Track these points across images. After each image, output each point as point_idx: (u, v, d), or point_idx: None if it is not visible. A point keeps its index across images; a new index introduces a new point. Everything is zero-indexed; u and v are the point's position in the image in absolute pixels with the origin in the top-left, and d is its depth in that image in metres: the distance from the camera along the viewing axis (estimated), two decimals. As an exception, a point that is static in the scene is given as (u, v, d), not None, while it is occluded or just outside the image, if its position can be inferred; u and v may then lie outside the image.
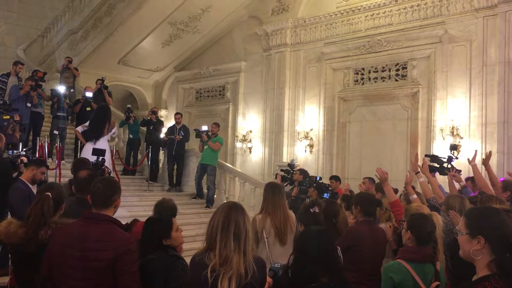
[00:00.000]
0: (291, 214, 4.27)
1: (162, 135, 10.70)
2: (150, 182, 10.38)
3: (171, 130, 10.58)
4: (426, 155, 5.84)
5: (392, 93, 9.99)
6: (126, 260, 2.58)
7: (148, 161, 10.53)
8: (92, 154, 5.37)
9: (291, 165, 7.87)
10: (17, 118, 7.61)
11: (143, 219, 3.20)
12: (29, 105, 9.06)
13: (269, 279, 2.58)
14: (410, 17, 9.73)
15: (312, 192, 6.59)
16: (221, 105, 13.32)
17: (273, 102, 11.78)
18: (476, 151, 6.02)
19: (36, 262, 2.87)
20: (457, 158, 6.37)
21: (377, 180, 5.19)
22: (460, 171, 5.51)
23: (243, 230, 2.44)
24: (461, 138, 8.78)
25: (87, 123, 7.96)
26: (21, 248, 3.04)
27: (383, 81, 10.18)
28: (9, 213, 4.91)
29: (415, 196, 4.45)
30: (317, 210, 3.76)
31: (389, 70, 10.08)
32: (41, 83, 9.44)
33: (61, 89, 9.79)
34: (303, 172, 7.49)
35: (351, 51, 10.56)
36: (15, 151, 5.74)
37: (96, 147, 6.35)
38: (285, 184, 6.90)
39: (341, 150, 10.73)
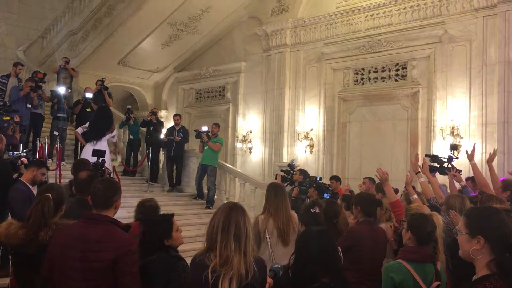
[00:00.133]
0: (294, 214, 4.26)
1: (162, 136, 10.70)
2: (150, 183, 10.38)
3: (170, 131, 10.58)
4: (426, 155, 5.84)
5: (392, 93, 9.99)
6: (127, 261, 2.58)
7: (148, 162, 10.53)
8: (92, 155, 5.37)
9: (291, 165, 7.87)
10: (17, 119, 7.63)
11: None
12: (29, 106, 9.07)
13: (269, 280, 2.58)
14: (410, 17, 9.73)
15: (312, 193, 6.59)
16: (221, 105, 13.32)
17: (273, 102, 11.78)
18: (474, 144, 6.00)
19: (36, 263, 2.87)
20: (457, 158, 6.37)
21: (377, 180, 5.19)
22: (460, 171, 5.50)
23: (243, 230, 2.43)
24: (461, 138, 8.78)
25: (86, 125, 7.96)
26: (22, 249, 3.04)
27: (383, 81, 10.18)
28: (9, 214, 4.91)
29: (415, 196, 4.45)
30: (317, 210, 3.76)
31: (389, 70, 10.08)
32: (41, 84, 9.45)
33: (61, 90, 9.79)
34: (303, 172, 7.49)
35: (351, 51, 10.56)
36: (15, 152, 5.73)
37: (96, 148, 6.35)
38: (285, 185, 6.89)
39: (341, 150, 10.73)
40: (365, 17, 10.38)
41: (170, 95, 14.93)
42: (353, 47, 10.52)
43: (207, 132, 9.87)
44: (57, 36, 13.89)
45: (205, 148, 9.86)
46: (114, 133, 8.28)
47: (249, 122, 12.43)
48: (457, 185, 5.40)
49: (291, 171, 7.65)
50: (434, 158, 5.68)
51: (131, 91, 15.26)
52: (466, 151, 5.57)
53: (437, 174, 5.50)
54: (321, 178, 7.11)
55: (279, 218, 4.11)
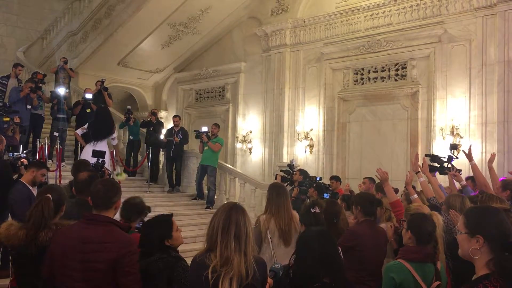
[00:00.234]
0: (295, 214, 4.26)
1: (162, 136, 10.70)
2: (150, 183, 10.39)
3: (169, 132, 10.57)
4: (426, 155, 5.83)
5: (392, 93, 9.99)
6: (127, 262, 2.58)
7: (148, 162, 10.54)
8: (92, 156, 5.38)
9: (290, 165, 7.88)
10: (17, 120, 7.62)
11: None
12: (29, 107, 9.07)
13: (269, 280, 2.58)
14: (409, 17, 9.73)
15: (312, 193, 6.59)
16: (221, 106, 13.32)
17: (273, 102, 11.78)
18: (470, 146, 6.00)
19: (37, 264, 2.88)
20: (457, 157, 6.36)
21: (377, 180, 5.19)
22: (460, 170, 5.50)
23: (243, 230, 2.44)
24: (461, 137, 8.78)
25: (86, 126, 7.95)
26: (22, 250, 3.04)
27: (383, 81, 10.18)
28: (9, 215, 4.91)
29: (415, 196, 4.45)
30: (317, 210, 3.76)
31: (389, 70, 10.08)
32: (41, 85, 9.45)
33: (61, 91, 9.79)
34: (303, 172, 7.49)
35: (351, 51, 10.57)
36: (15, 153, 5.74)
37: (95, 149, 6.35)
38: (285, 185, 6.89)
39: (341, 150, 10.73)
40: (365, 17, 10.38)
41: (170, 95, 14.93)
42: (352, 47, 10.52)
43: (207, 132, 9.87)
44: (57, 37, 13.90)
45: (205, 148, 9.87)
46: (114, 135, 8.28)
47: (249, 122, 12.43)
48: (457, 185, 5.40)
49: (291, 171, 7.66)
50: (434, 158, 5.68)
51: (131, 91, 15.27)
52: (464, 152, 5.57)
53: (437, 173, 5.50)
54: (321, 178, 7.11)
55: (280, 218, 4.12)
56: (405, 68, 9.84)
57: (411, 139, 9.65)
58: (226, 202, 3.97)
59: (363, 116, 10.49)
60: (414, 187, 4.72)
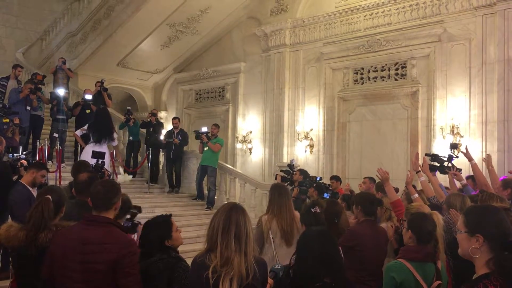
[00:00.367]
0: (297, 214, 4.26)
1: (162, 137, 10.70)
2: (150, 184, 10.39)
3: (169, 134, 10.57)
4: (426, 154, 5.83)
5: (391, 92, 9.99)
6: (128, 262, 2.58)
7: (148, 163, 10.54)
8: (92, 157, 5.37)
9: (290, 165, 7.88)
10: (16, 121, 7.62)
11: (143, 221, 3.20)
12: (28, 108, 9.06)
13: (270, 280, 2.58)
14: (409, 16, 9.73)
15: (313, 193, 6.59)
16: (221, 106, 13.32)
17: (273, 102, 11.78)
18: (466, 146, 5.99)
19: (37, 265, 2.87)
20: (457, 157, 6.34)
21: (377, 180, 5.19)
22: (460, 169, 5.50)
23: (244, 231, 2.44)
24: (462, 136, 8.77)
25: (85, 127, 7.95)
26: (22, 251, 3.03)
27: (383, 80, 10.17)
28: (9, 216, 4.91)
29: (416, 195, 4.44)
30: (318, 210, 3.76)
31: (389, 70, 10.08)
32: (40, 86, 9.45)
33: (61, 92, 9.79)
34: (303, 172, 7.49)
35: (350, 51, 10.56)
36: (15, 155, 5.74)
37: (95, 149, 6.35)
38: (285, 185, 6.89)
39: (341, 150, 10.73)
40: (364, 16, 10.38)
41: (169, 96, 14.93)
42: (352, 46, 10.52)
43: (206, 133, 9.87)
44: (56, 38, 13.90)
45: (205, 149, 9.87)
46: (114, 136, 8.28)
47: (249, 123, 12.43)
48: (458, 184, 5.40)
49: (291, 171, 7.66)
50: (434, 157, 5.67)
51: (130, 92, 15.26)
52: (462, 152, 5.56)
53: (437, 173, 5.49)
54: (321, 178, 7.11)
55: (282, 219, 4.12)
56: (405, 67, 9.84)
57: (411, 138, 9.65)
58: (226, 202, 3.97)
59: (363, 116, 10.49)
60: (414, 187, 4.72)
